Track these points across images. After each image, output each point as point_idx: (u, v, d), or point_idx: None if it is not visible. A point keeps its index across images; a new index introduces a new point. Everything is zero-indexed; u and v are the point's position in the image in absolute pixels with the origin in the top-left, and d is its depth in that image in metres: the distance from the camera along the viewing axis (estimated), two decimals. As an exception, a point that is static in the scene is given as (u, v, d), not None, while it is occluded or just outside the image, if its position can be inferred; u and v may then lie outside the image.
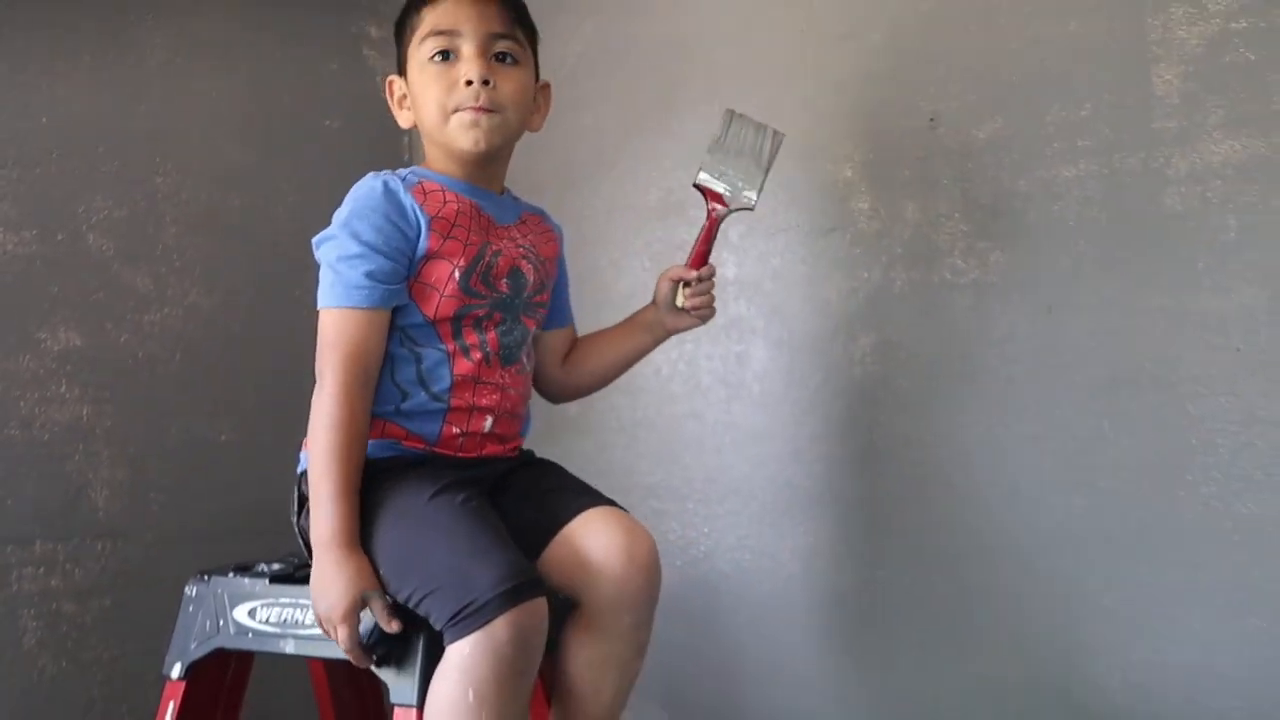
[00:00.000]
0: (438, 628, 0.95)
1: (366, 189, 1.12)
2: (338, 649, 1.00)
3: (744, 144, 1.32)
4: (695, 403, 1.65)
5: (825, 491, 1.55)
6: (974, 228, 1.45)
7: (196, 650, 1.11)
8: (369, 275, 1.07)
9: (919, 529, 1.47)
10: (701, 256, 1.29)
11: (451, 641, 0.93)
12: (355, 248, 1.07)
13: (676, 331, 1.32)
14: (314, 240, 1.13)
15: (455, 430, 1.12)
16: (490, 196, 1.21)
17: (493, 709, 0.92)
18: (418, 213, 1.10)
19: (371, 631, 0.97)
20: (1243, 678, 1.26)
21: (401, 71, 1.21)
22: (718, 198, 1.31)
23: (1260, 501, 1.27)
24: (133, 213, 1.54)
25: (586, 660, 1.08)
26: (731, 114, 1.33)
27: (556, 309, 1.31)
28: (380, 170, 1.14)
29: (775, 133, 1.33)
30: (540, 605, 0.96)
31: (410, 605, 0.97)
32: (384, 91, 1.23)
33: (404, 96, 1.21)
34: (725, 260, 1.62)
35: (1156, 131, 1.34)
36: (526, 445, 1.26)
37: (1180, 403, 1.32)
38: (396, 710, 0.96)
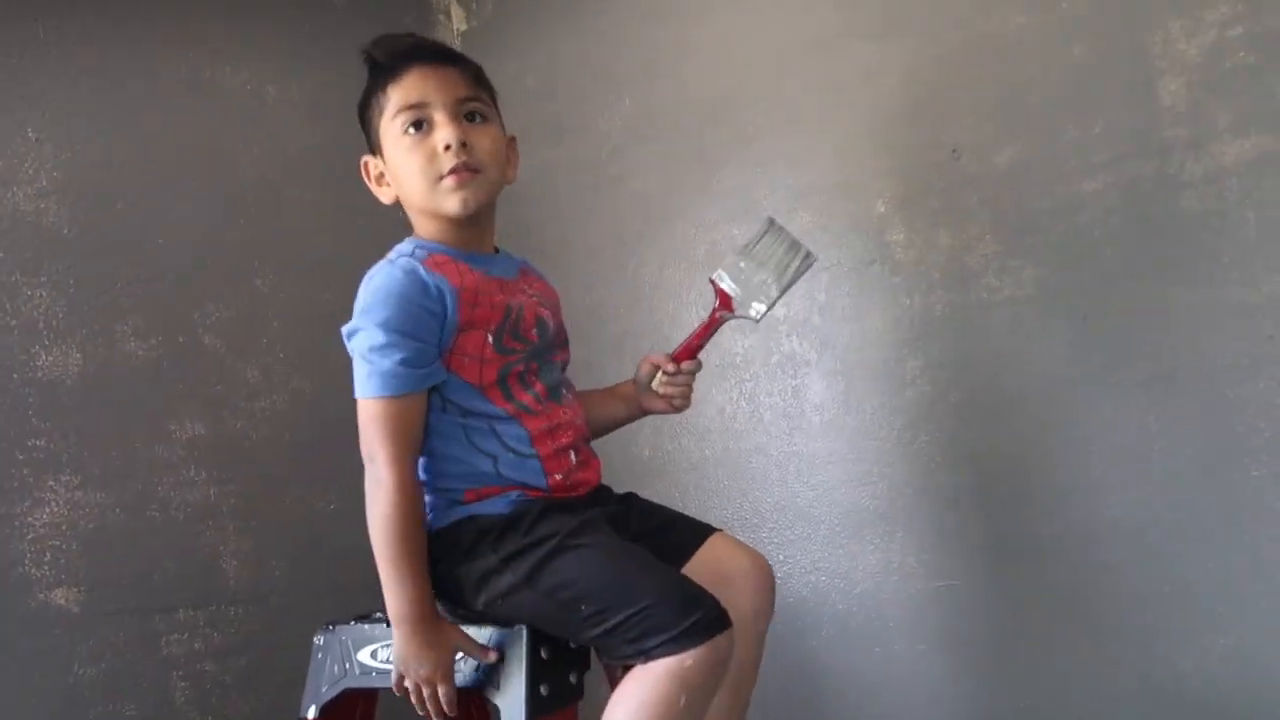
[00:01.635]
0: (653, 642, 1.02)
1: (384, 276, 1.14)
2: (456, 679, 1.12)
3: (772, 256, 1.30)
4: (759, 437, 1.75)
5: (890, 510, 1.63)
6: (1004, 248, 1.54)
7: (328, 692, 1.24)
8: (402, 363, 1.10)
9: (983, 538, 1.54)
10: (690, 350, 1.30)
11: (670, 652, 1.01)
12: (384, 337, 1.10)
13: (651, 413, 1.34)
14: (343, 331, 1.15)
15: (559, 477, 1.17)
16: (488, 258, 1.23)
17: (695, 717, 1.03)
18: (442, 287, 1.12)
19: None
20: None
21: (374, 150, 1.23)
22: (727, 301, 1.30)
23: (1310, 480, 1.32)
24: (240, 313, 1.73)
25: (735, 668, 1.13)
26: (770, 223, 1.32)
27: None
28: (387, 252, 1.19)
29: (807, 255, 1.31)
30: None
31: (613, 624, 1.04)
32: (362, 173, 1.25)
33: (381, 175, 1.23)
34: (774, 301, 1.73)
35: (1168, 139, 1.42)
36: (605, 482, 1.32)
37: (1220, 393, 1.38)
38: (507, 731, 1.07)
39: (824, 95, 1.70)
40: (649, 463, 1.86)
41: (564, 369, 1.27)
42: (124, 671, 1.50)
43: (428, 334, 1.12)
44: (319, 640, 1.28)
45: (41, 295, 1.53)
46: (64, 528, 1.48)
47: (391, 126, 1.18)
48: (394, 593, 1.09)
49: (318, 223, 1.86)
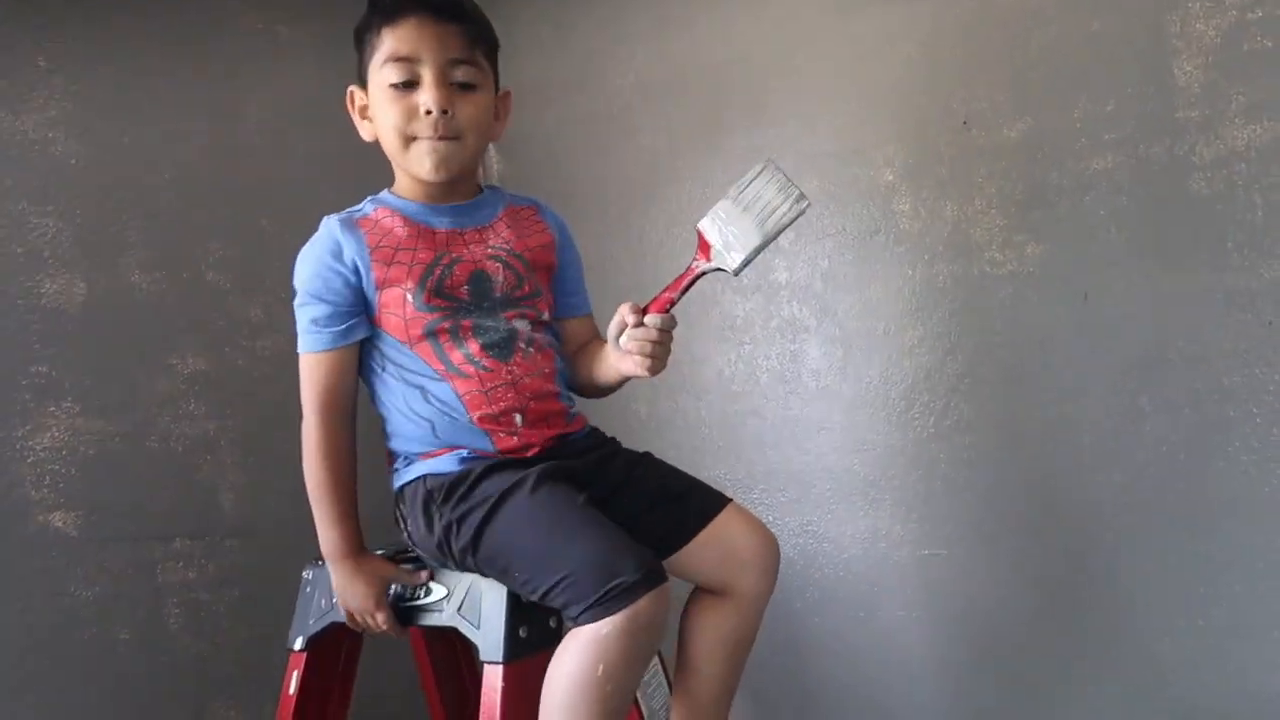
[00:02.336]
0: (575, 612, 1.02)
1: (314, 236, 1.18)
2: (433, 617, 1.16)
3: (759, 201, 1.17)
4: (755, 400, 1.76)
5: (881, 478, 1.64)
6: (1010, 222, 1.53)
7: (315, 625, 1.27)
8: (314, 321, 1.16)
9: (970, 509, 1.56)
10: (664, 302, 1.17)
11: (589, 621, 1.00)
12: (300, 297, 1.18)
13: (622, 372, 1.20)
14: None
15: (504, 435, 1.16)
16: (451, 209, 1.21)
17: (618, 685, 1.01)
18: (356, 250, 1.14)
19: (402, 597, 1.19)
20: (1284, 636, 1.32)
21: (362, 84, 1.21)
22: (706, 249, 1.18)
23: (1298, 468, 1.32)
24: (244, 252, 1.74)
25: (733, 642, 1.20)
26: (766, 164, 1.19)
27: (562, 300, 1.28)
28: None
29: (798, 199, 1.17)
30: (668, 591, 1.03)
31: (541, 593, 1.05)
32: (347, 103, 1.23)
33: (365, 107, 1.21)
34: (776, 265, 1.73)
35: (1180, 121, 1.41)
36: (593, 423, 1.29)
37: (1215, 377, 1.38)
38: (486, 666, 1.09)
39: (837, 60, 1.68)
40: (646, 420, 1.87)
41: (537, 324, 1.22)
42: (119, 596, 1.53)
43: (337, 295, 1.15)
44: (308, 575, 1.30)
45: (48, 224, 1.54)
46: (64, 453, 1.51)
47: (380, 73, 1.16)
48: (322, 533, 1.18)
49: (325, 165, 1.85)
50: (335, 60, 1.86)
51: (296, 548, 1.52)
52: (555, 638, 1.14)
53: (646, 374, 1.16)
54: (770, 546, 1.21)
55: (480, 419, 1.16)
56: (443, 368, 1.16)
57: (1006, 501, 1.53)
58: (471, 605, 1.13)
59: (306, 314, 1.17)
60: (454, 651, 1.35)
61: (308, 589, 1.30)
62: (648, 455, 1.27)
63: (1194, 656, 1.38)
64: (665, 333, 1.16)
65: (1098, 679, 1.45)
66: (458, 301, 1.17)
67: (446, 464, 1.15)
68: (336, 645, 1.30)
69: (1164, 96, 1.42)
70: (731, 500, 1.23)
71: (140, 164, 1.64)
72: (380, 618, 1.17)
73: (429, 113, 1.14)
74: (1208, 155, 1.39)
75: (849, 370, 1.67)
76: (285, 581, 1.36)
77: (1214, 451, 1.38)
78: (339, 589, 1.19)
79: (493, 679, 1.07)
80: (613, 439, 1.28)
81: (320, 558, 1.32)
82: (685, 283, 1.18)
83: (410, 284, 1.15)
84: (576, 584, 1.02)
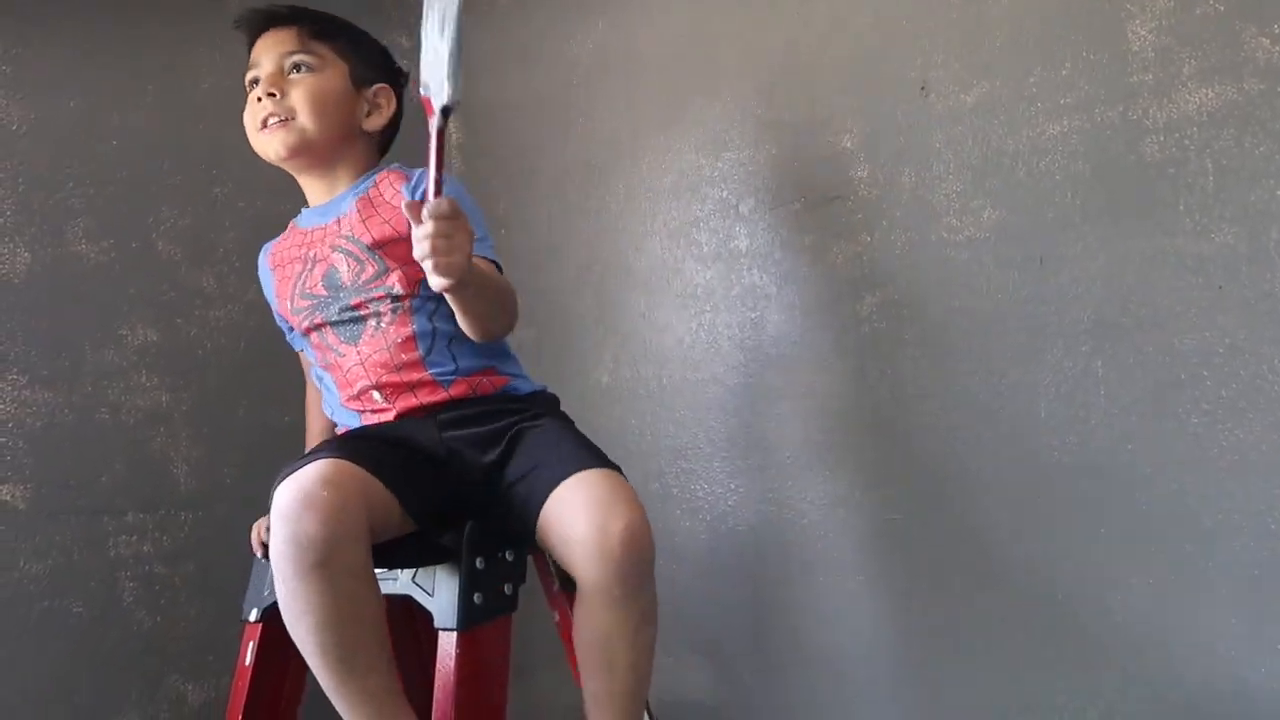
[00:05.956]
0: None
1: None
2: (387, 584, 1.15)
3: (430, 28, 1.03)
4: (716, 368, 1.76)
5: (840, 444, 1.65)
6: (967, 187, 1.53)
7: (270, 596, 1.25)
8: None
9: (927, 473, 1.57)
10: (435, 187, 0.98)
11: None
12: None
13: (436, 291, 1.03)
14: None
15: (369, 414, 1.23)
16: (318, 209, 1.32)
17: (296, 529, 0.98)
18: (267, 277, 1.35)
19: None
20: (1228, 595, 1.34)
21: None
22: (427, 105, 1.03)
23: (1245, 429, 1.34)
24: (196, 220, 1.71)
25: (592, 635, 1.08)
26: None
27: None
28: None
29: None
30: (333, 463, 1.03)
31: None
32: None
33: None
34: (738, 233, 1.73)
35: (1134, 85, 1.42)
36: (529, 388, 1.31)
37: (1167, 340, 1.39)
38: (441, 634, 1.09)
39: (793, 33, 1.68)
40: (607, 389, 1.86)
41: (391, 299, 1.20)
42: (71, 570, 1.51)
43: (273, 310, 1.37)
44: (263, 545, 1.29)
45: (-11, 191, 1.50)
46: (11, 426, 1.48)
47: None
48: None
49: (279, 133, 1.82)
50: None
51: (251, 520, 1.50)
52: (510, 604, 1.14)
53: (444, 281, 0.98)
54: (601, 528, 1.03)
55: (347, 400, 1.25)
56: (321, 357, 1.28)
57: (963, 465, 1.54)
58: (426, 573, 1.12)
59: None
60: (411, 618, 1.34)
61: (262, 560, 1.29)
62: (543, 426, 1.19)
63: (1141, 613, 1.40)
64: (446, 221, 0.96)
65: (1051, 638, 1.47)
66: (318, 299, 1.25)
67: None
68: (292, 615, 1.29)
69: (1118, 60, 1.42)
70: (585, 470, 1.08)
71: (86, 131, 1.60)
72: None
73: (260, 99, 1.26)
74: (1160, 119, 1.40)
75: (808, 337, 1.67)
76: (240, 554, 1.34)
77: (1165, 413, 1.39)
78: None
79: (447, 646, 1.07)
80: (520, 406, 1.23)
81: (274, 528, 1.31)
82: (435, 151, 0.99)
83: (286, 290, 1.29)
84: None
